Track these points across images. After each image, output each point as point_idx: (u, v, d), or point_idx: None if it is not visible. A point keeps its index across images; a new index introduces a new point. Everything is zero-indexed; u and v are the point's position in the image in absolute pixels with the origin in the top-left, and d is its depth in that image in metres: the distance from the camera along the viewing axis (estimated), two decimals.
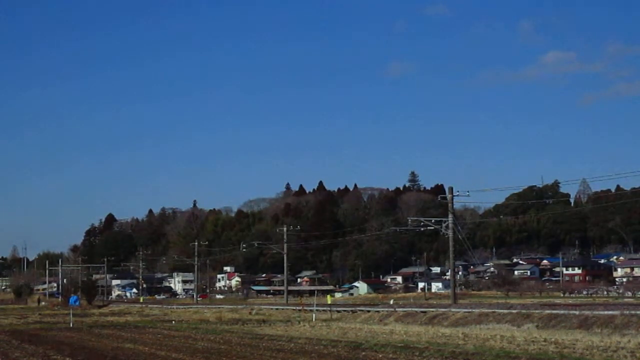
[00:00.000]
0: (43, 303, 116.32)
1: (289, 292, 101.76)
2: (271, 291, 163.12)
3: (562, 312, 39.67)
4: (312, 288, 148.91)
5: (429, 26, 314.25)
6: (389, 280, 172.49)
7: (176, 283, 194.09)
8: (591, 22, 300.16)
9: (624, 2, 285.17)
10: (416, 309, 51.35)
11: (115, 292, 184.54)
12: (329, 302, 65.38)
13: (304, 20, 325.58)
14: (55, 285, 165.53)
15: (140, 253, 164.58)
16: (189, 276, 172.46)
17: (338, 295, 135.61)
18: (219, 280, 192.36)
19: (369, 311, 55.90)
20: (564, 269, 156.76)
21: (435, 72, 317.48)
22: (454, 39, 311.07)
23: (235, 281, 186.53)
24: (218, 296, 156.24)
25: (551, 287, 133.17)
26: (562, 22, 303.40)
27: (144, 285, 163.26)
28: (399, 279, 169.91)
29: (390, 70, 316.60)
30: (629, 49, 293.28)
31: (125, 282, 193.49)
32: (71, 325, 52.66)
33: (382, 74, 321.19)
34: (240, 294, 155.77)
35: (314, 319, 52.54)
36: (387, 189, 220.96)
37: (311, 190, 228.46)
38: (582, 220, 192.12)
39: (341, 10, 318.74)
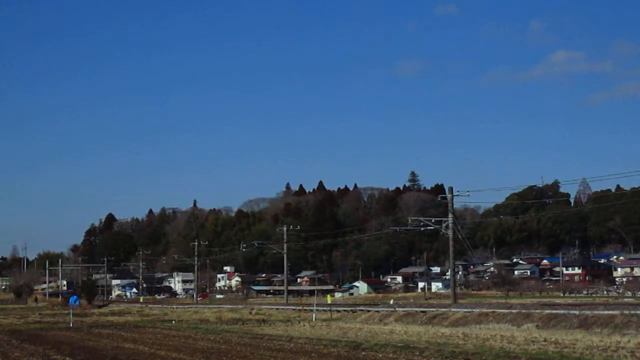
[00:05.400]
0: (40, 303, 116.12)
1: (289, 292, 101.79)
2: (271, 291, 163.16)
3: (562, 312, 39.66)
4: (312, 288, 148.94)
5: (438, 25, 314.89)
6: (389, 280, 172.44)
7: (176, 283, 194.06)
8: (600, 22, 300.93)
9: (632, 1, 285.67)
10: (416, 309, 51.35)
11: (115, 292, 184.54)
12: (329, 302, 65.43)
13: (307, 20, 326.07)
14: (60, 284, 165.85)
15: (140, 253, 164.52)
16: (189, 276, 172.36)
17: (338, 295, 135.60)
18: (219, 280, 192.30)
19: (369, 311, 55.90)
20: (564, 268, 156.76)
21: (443, 71, 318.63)
22: (463, 39, 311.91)
23: (235, 281, 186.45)
24: (218, 296, 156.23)
25: (551, 287, 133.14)
26: (570, 21, 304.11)
27: (144, 285, 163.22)
28: (399, 278, 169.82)
29: (399, 70, 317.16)
30: (637, 49, 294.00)
31: (125, 282, 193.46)
32: (71, 325, 52.68)
33: (390, 73, 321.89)
34: (240, 293, 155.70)
35: (314, 319, 52.55)
36: (387, 189, 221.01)
37: (311, 190, 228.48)
38: (582, 220, 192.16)
39: (347, 9, 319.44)
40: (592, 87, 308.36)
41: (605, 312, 37.23)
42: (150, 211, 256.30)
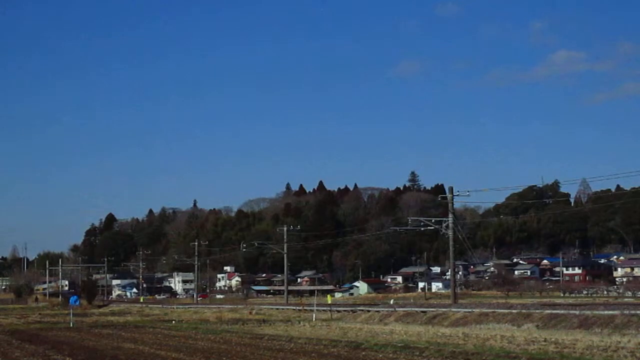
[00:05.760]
0: (41, 303, 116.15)
1: (289, 292, 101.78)
2: (271, 291, 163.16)
3: (562, 312, 39.65)
4: (312, 288, 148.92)
5: (439, 25, 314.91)
6: (389, 280, 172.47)
7: (176, 283, 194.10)
8: (601, 22, 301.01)
9: (634, 1, 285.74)
10: (416, 309, 51.33)
11: (116, 292, 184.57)
12: (329, 302, 65.39)
13: (307, 20, 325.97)
14: (60, 284, 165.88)
15: (140, 253, 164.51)
16: (189, 276, 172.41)
17: (338, 295, 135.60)
18: (219, 280, 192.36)
19: (369, 311, 55.89)
20: (564, 268, 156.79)
21: (443, 71, 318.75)
22: (464, 39, 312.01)
23: (235, 281, 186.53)
24: (218, 296, 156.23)
25: (551, 287, 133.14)
26: (572, 21, 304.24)
27: (144, 285, 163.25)
28: (399, 278, 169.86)
29: (399, 70, 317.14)
30: (638, 49, 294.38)
31: (126, 282, 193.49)
32: (71, 325, 52.67)
33: (390, 73, 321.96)
34: (240, 293, 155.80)
35: (314, 319, 52.56)
36: (387, 189, 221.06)
37: (311, 190, 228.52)
38: (582, 220, 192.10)
39: (348, 9, 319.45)
40: (593, 87, 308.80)
41: (605, 312, 37.21)
42: (150, 211, 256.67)
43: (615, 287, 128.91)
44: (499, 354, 24.16)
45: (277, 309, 72.25)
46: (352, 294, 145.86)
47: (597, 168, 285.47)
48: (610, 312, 36.92)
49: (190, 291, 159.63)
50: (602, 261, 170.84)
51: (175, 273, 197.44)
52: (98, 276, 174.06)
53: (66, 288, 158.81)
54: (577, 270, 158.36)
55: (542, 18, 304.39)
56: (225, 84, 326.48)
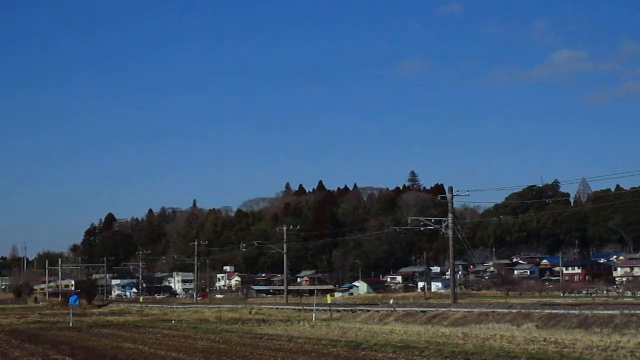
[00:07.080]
0: (41, 303, 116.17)
1: (289, 292, 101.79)
2: (271, 291, 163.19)
3: (562, 312, 39.63)
4: (312, 288, 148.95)
5: (441, 25, 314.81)
6: (389, 280, 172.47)
7: (176, 283, 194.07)
8: (603, 22, 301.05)
9: (636, 1, 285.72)
10: (416, 309, 51.32)
11: (115, 292, 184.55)
12: (329, 302, 65.37)
13: (308, 20, 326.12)
14: (61, 284, 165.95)
15: (140, 253, 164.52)
16: (189, 276, 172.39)
17: (338, 295, 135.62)
18: (219, 280, 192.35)
19: (369, 311, 55.87)
20: (564, 268, 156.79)
21: (445, 71, 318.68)
22: (466, 38, 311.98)
23: (235, 281, 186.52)
24: (218, 296, 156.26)
25: (551, 287, 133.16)
26: (574, 21, 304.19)
27: (144, 285, 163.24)
28: (399, 278, 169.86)
29: (401, 69, 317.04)
30: None
31: (125, 282, 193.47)
32: (71, 325, 52.66)
33: (391, 73, 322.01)
34: (240, 293, 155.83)
35: (314, 319, 52.53)
36: (387, 189, 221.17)
37: (311, 190, 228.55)
38: (582, 220, 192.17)
39: (348, 9, 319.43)
40: (594, 87, 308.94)
41: (605, 312, 37.20)
42: (150, 211, 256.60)
43: (615, 287, 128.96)
44: (498, 354, 24.13)
45: (277, 309, 72.25)
46: (352, 294, 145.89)
47: (597, 168, 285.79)
48: (610, 312, 36.90)
49: (190, 291, 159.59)
50: (602, 261, 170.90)
51: (175, 273, 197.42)
52: (98, 276, 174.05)
53: (72, 288, 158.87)
54: (577, 270, 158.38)
55: (544, 18, 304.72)
56: (225, 84, 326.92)
